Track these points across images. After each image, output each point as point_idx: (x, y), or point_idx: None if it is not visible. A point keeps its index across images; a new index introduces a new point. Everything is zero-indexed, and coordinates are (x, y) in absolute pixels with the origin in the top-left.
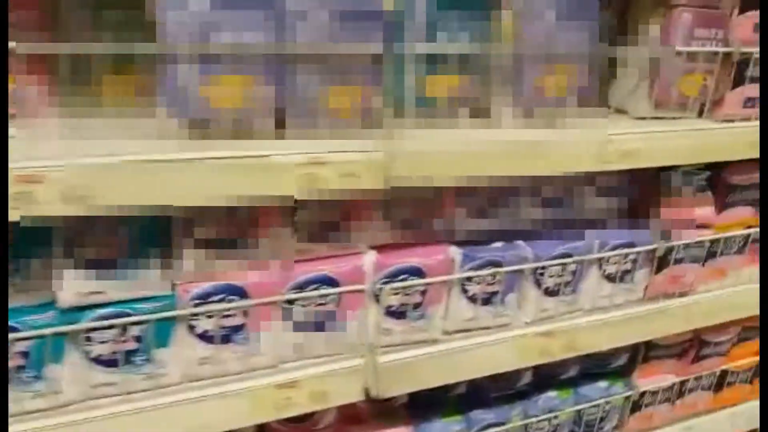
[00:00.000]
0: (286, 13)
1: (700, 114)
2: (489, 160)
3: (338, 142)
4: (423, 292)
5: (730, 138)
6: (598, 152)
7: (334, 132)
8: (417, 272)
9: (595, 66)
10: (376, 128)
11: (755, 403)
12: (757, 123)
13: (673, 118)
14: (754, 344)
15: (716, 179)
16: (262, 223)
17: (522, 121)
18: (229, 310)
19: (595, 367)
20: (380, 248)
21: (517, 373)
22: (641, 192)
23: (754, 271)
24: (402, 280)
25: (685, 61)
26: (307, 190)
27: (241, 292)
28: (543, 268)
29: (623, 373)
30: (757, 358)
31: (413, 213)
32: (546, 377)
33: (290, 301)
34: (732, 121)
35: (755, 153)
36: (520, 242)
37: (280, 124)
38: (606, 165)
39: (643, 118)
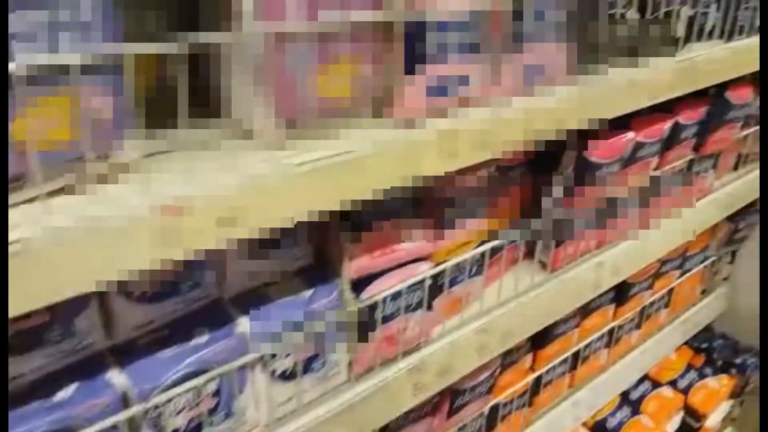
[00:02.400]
0: None
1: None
2: None
3: None
4: None
5: (417, 148)
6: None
7: None
8: None
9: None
10: None
11: (538, 425)
12: (452, 117)
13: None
14: (524, 363)
15: (424, 197)
16: None
17: None
18: None
19: None
20: None
21: None
22: (320, 241)
23: (503, 286)
24: None
25: (309, 47)
26: None
27: None
28: (155, 408)
29: None
30: (531, 376)
31: None
32: None
33: None
34: (416, 121)
35: (455, 160)
36: (104, 378)
37: None
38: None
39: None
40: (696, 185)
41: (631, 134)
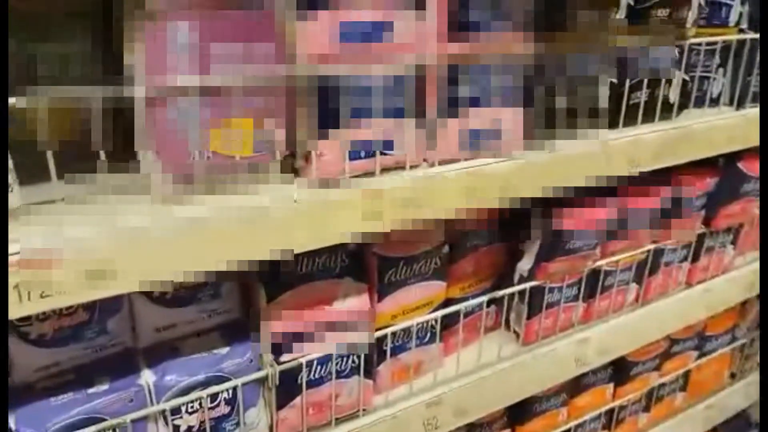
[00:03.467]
0: None
1: (295, 174)
2: None
3: None
4: None
5: (331, 208)
6: None
7: None
8: None
9: None
10: None
11: None
12: (376, 179)
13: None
14: None
15: (365, 257)
16: None
17: None
18: None
19: None
20: None
21: None
22: (246, 296)
23: (467, 357)
24: None
25: (206, 104)
26: None
27: None
28: None
29: None
30: None
31: None
32: None
33: None
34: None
35: (378, 223)
36: None
37: None
38: None
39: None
40: (707, 262)
41: (611, 205)
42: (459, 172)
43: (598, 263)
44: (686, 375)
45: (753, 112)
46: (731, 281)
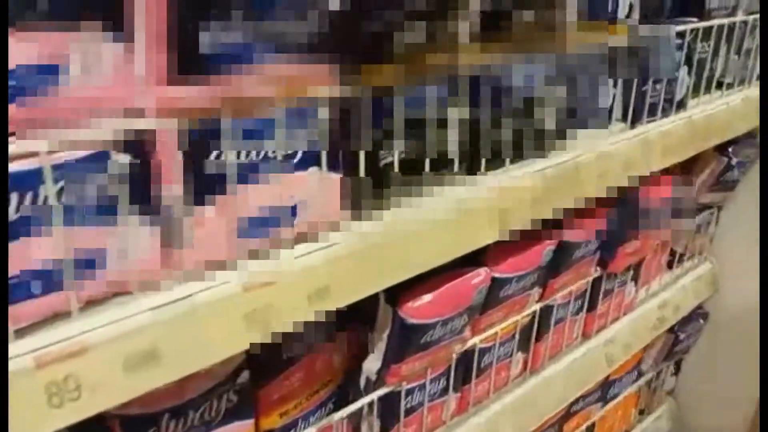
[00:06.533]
0: None
1: None
2: None
3: None
4: None
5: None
6: None
7: None
8: None
9: None
10: None
11: None
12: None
13: None
14: None
15: (103, 423)
16: None
17: None
18: None
19: None
20: None
21: None
22: None
23: None
24: None
25: None
26: None
27: None
28: None
29: None
30: None
31: None
32: None
33: None
34: None
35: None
36: None
37: None
38: None
39: None
40: (606, 307)
41: (479, 275)
42: (234, 290)
43: (470, 343)
44: (591, 427)
45: (651, 128)
46: (635, 322)
